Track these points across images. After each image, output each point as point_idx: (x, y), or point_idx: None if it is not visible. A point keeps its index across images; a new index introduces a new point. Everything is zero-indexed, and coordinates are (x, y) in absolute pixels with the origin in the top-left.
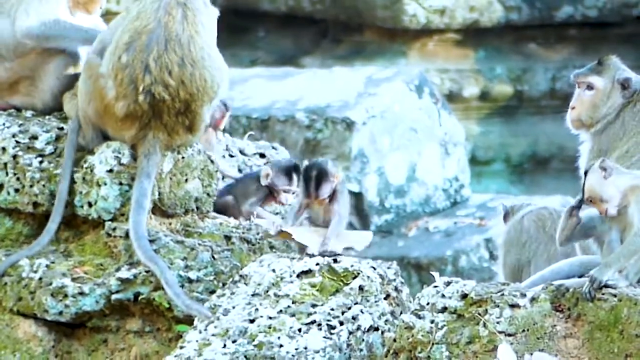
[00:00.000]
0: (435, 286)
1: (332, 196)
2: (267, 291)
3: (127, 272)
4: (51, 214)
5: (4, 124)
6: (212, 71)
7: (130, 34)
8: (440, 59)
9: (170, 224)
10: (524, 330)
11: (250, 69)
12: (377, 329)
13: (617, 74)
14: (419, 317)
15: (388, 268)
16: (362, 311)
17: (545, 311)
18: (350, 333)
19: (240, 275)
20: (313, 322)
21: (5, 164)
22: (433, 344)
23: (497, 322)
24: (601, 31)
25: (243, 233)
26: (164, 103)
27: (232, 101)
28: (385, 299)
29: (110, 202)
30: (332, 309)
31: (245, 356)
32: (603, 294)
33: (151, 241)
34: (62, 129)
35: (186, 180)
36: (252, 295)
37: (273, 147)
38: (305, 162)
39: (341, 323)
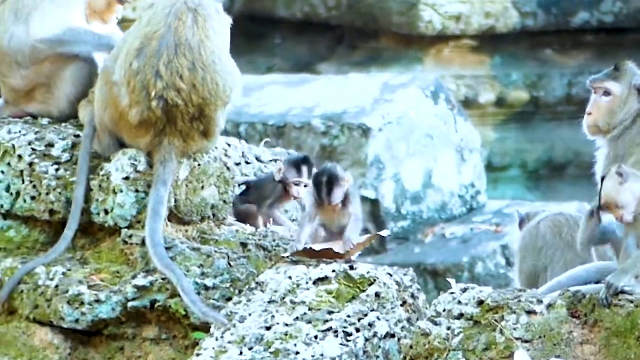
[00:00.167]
0: (452, 292)
1: (345, 200)
2: (283, 298)
3: (144, 280)
4: (67, 221)
5: (20, 132)
6: (224, 75)
7: (141, 40)
8: (456, 65)
9: (186, 231)
10: (540, 337)
11: (266, 76)
12: (393, 335)
13: (633, 80)
14: (435, 323)
15: (404, 274)
16: (378, 318)
17: (561, 317)
18: (366, 340)
19: (257, 282)
20: (329, 328)
21: (22, 171)
22: (449, 350)
23: (514, 329)
24: (617, 37)
25: (259, 240)
26: (177, 108)
27: (248, 108)
28: (401, 305)
29: (127, 209)
30: (349, 316)
31: None
32: (619, 300)
33: (167, 248)
34: (78, 136)
35: (202, 187)
36: (268, 302)
37: (289, 154)
38: (314, 170)
39: (357, 330)
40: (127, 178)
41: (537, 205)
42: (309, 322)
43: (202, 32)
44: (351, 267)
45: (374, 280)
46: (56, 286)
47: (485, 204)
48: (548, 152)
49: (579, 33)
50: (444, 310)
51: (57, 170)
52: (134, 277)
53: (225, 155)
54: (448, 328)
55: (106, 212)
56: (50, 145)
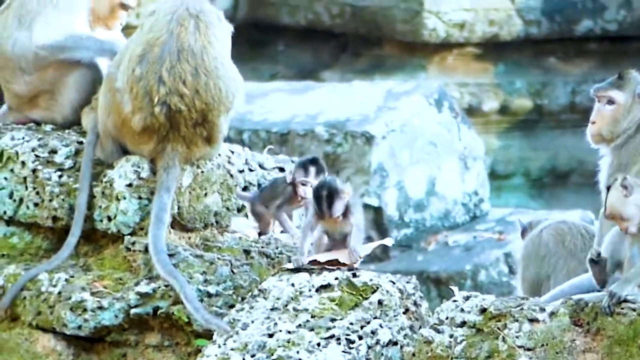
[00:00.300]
0: (455, 300)
1: (346, 211)
2: (286, 305)
3: (146, 287)
4: (71, 228)
5: (23, 138)
6: (227, 81)
7: (143, 46)
8: (459, 73)
9: (189, 238)
10: (543, 345)
11: (270, 83)
12: (396, 343)
13: (637, 88)
14: (438, 331)
15: (407, 282)
16: (381, 325)
17: (564, 326)
18: (369, 347)
19: (260, 290)
20: (332, 336)
21: (25, 178)
22: (452, 358)
23: (517, 337)
24: (621, 45)
25: (262, 247)
26: (180, 114)
27: (251, 115)
28: (404, 313)
29: (130, 216)
30: (351, 323)
31: None
32: (622, 308)
33: (170, 255)
34: (81, 143)
35: (205, 194)
36: (271, 309)
37: (292, 161)
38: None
39: (360, 337)
40: (130, 185)
41: (540, 214)
42: (312, 329)
43: (205, 38)
44: (354, 275)
45: (377, 287)
46: (59, 293)
47: (489, 212)
48: (552, 160)
49: (583, 41)
50: (446, 318)
51: (60, 177)
52: (136, 284)
53: (229, 162)
54: (451, 336)
55: (109, 219)
56: (54, 152)
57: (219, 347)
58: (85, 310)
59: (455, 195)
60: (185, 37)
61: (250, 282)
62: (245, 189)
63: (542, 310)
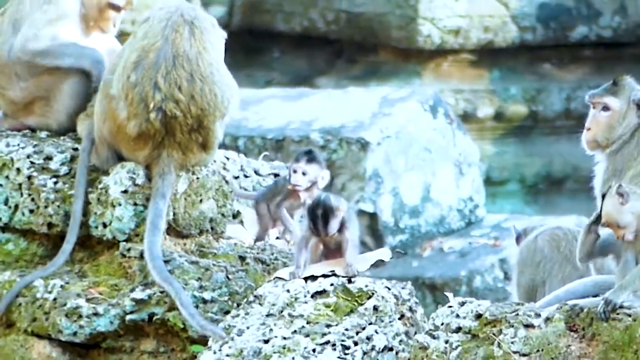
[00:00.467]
0: (450, 306)
1: (341, 227)
2: (282, 311)
3: (142, 293)
4: (66, 234)
5: (18, 145)
6: (222, 87)
7: (138, 53)
8: (454, 79)
9: (184, 244)
10: (538, 350)
11: (265, 90)
12: (391, 349)
13: (632, 94)
14: (434, 337)
15: (402, 288)
16: (376, 331)
17: (559, 331)
18: (364, 353)
19: (255, 296)
20: (327, 342)
21: (20, 184)
22: None
23: (512, 342)
24: (616, 51)
25: (257, 253)
26: (176, 120)
27: (247, 122)
28: (399, 319)
29: (125, 222)
30: (347, 329)
31: None
32: (617, 314)
33: (166, 262)
34: (76, 149)
35: (201, 200)
36: (267, 315)
37: (287, 167)
38: (309, 201)
39: (355, 343)
40: (125, 191)
41: (535, 220)
42: (307, 335)
43: (200, 44)
44: (349, 281)
45: (372, 293)
46: (54, 299)
47: (484, 218)
48: (547, 166)
49: (577, 48)
50: (442, 324)
51: (55, 183)
52: (132, 290)
53: (224, 168)
54: (446, 342)
55: (105, 225)
56: (49, 158)
57: (215, 353)
58: (80, 316)
59: (450, 201)
60: (180, 43)
61: (245, 288)
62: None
63: (538, 315)
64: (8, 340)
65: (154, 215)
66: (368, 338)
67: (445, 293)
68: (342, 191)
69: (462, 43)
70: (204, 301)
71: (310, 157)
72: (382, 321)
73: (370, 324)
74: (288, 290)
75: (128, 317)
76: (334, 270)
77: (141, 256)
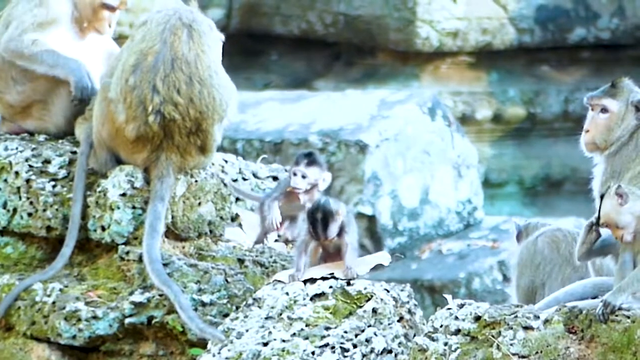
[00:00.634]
0: (449, 308)
1: (340, 231)
2: (281, 314)
3: (141, 296)
4: (65, 238)
5: (17, 148)
6: (220, 89)
7: (137, 56)
8: (453, 81)
9: (183, 247)
10: (537, 352)
11: (263, 92)
12: (390, 351)
13: (630, 96)
14: (433, 339)
15: (401, 290)
16: (375, 334)
17: (558, 333)
18: (363, 356)
19: (254, 299)
20: (326, 344)
21: (19, 188)
22: None
23: (511, 344)
24: (614, 53)
25: (256, 256)
26: (174, 123)
27: (245, 124)
28: (398, 321)
29: (124, 225)
30: (346, 332)
31: None
32: (616, 315)
33: (165, 265)
34: (75, 153)
35: (199, 203)
36: (266, 318)
37: (286, 170)
38: (308, 204)
39: (354, 346)
40: (124, 195)
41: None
42: (306, 338)
43: (198, 47)
44: (348, 283)
45: (371, 296)
46: (53, 302)
47: (482, 220)
48: (545, 168)
49: (576, 49)
50: (441, 326)
51: (54, 186)
52: (131, 293)
53: (223, 171)
54: (445, 344)
55: (103, 228)
56: (47, 162)
57: (214, 356)
58: (79, 320)
59: (448, 203)
60: (178, 46)
61: (244, 291)
62: (237, 200)
63: (537, 317)
64: (7, 343)
65: (152, 218)
66: (367, 340)
67: (444, 295)
68: (340, 194)
69: (461, 45)
70: (203, 304)
71: (310, 159)
72: (381, 323)
73: (369, 326)
74: (287, 293)
75: (127, 321)
76: (333, 273)
77: (140, 259)
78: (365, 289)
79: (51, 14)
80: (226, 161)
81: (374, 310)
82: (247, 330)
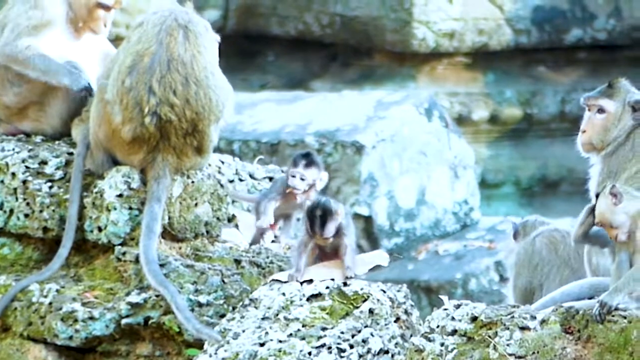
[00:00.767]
0: (445, 309)
1: (338, 231)
2: (277, 315)
3: (137, 297)
4: (62, 239)
5: (13, 149)
6: (217, 90)
7: (133, 57)
8: (449, 82)
9: (180, 248)
10: (534, 353)
11: (260, 93)
12: (387, 352)
13: (627, 97)
14: (429, 340)
15: (398, 291)
16: (372, 334)
17: (555, 333)
18: (360, 356)
19: (250, 299)
20: (323, 345)
21: (15, 189)
22: None
23: (507, 345)
24: (611, 54)
25: (253, 257)
26: (171, 124)
27: (242, 125)
28: (395, 322)
29: (120, 226)
30: (342, 332)
31: None
32: (613, 315)
33: (161, 265)
34: (71, 154)
35: (196, 204)
36: (262, 318)
37: (283, 171)
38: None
39: (351, 346)
40: (120, 195)
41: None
42: (303, 338)
43: (194, 48)
44: (345, 284)
45: (368, 296)
46: (50, 303)
47: (479, 220)
48: (542, 169)
49: (572, 50)
50: (437, 327)
51: (50, 187)
52: (127, 294)
53: (219, 172)
54: (442, 344)
55: (100, 229)
56: (44, 163)
57: (210, 356)
58: (76, 320)
59: (445, 204)
60: (174, 47)
61: (241, 292)
62: (234, 201)
63: (533, 318)
64: (4, 344)
65: (149, 219)
66: (364, 341)
67: (441, 296)
68: (337, 194)
69: (457, 46)
70: (200, 305)
71: (308, 161)
72: (378, 324)
73: (366, 326)
74: (284, 294)
75: (124, 321)
76: (333, 279)
77: (136, 260)
78: (361, 289)
79: (46, 16)
80: (223, 162)
81: (371, 311)
82: (243, 331)
